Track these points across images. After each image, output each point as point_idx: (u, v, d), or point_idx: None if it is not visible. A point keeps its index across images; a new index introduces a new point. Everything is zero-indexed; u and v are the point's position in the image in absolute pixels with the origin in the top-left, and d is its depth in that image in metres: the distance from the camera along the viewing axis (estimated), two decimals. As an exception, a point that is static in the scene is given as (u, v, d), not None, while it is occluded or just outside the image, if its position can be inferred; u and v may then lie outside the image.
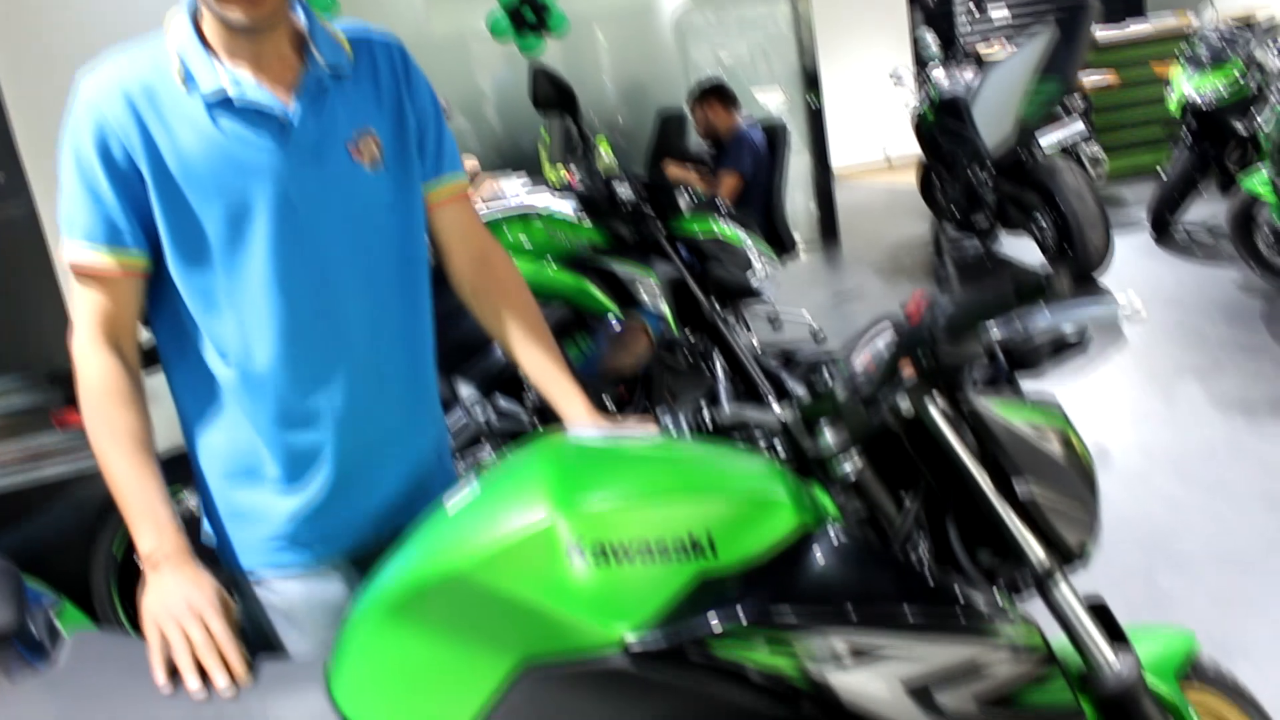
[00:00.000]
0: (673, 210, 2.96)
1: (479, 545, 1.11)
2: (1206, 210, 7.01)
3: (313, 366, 1.47)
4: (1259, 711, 1.61)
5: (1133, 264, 6.36)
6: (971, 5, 7.33)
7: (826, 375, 1.39)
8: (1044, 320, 1.24)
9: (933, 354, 1.22)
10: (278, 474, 1.49)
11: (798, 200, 8.41)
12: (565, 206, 4.93)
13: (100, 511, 3.07)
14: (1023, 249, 6.76)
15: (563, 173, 5.36)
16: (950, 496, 1.30)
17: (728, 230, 3.03)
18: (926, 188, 7.86)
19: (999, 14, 11.75)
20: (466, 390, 2.83)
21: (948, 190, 7.45)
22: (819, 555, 1.14)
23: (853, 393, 1.29)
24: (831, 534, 1.17)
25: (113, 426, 1.41)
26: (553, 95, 2.82)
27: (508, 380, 2.80)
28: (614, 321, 2.75)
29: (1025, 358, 1.31)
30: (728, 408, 1.49)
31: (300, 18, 1.49)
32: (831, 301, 6.51)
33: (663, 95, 8.55)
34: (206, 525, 1.57)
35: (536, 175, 6.50)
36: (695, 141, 6.52)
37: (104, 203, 1.39)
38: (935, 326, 1.21)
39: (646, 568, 1.09)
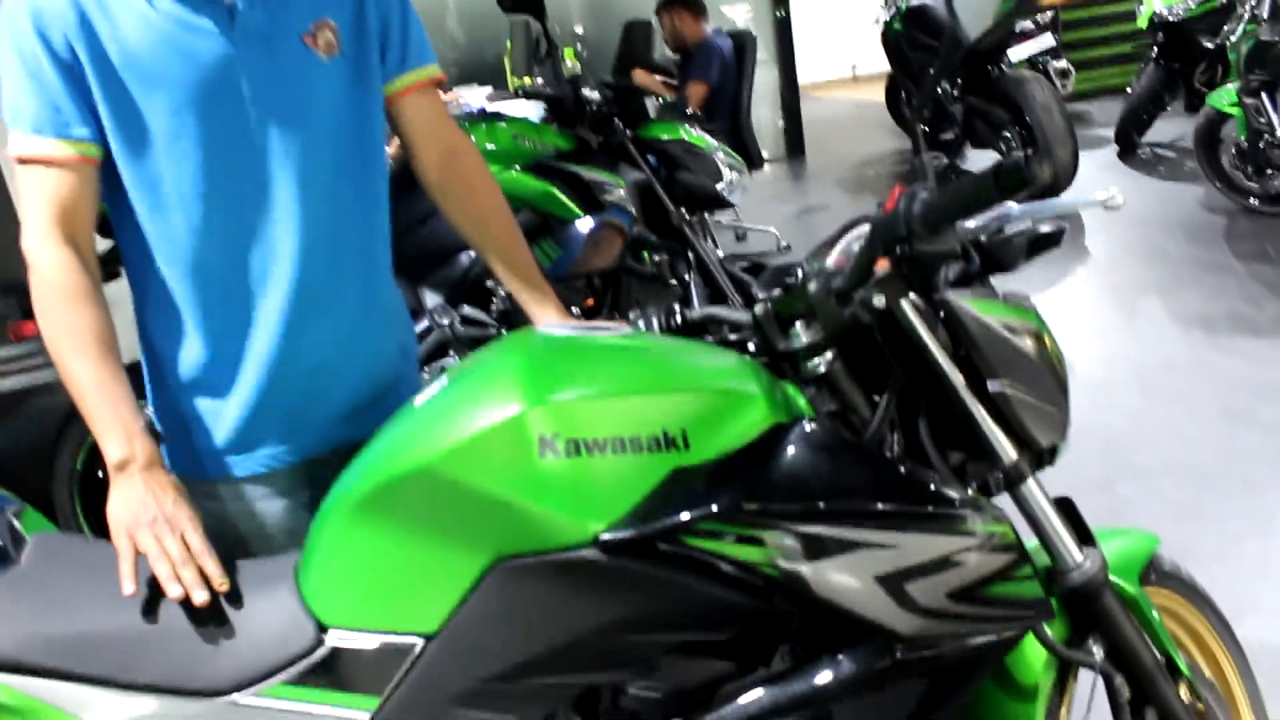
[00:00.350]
0: (640, 116, 2.91)
1: (448, 437, 1.09)
2: (1173, 130, 7.01)
3: (261, 265, 1.42)
4: (1213, 610, 1.64)
5: (1098, 181, 6.35)
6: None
7: (800, 273, 1.36)
8: (1025, 211, 1.22)
9: (909, 247, 1.19)
10: (229, 378, 1.45)
11: (763, 114, 8.32)
12: (531, 112, 4.87)
13: (61, 423, 3.02)
14: (986, 162, 6.74)
15: (527, 81, 5.27)
16: (923, 394, 1.28)
17: (696, 136, 2.99)
18: (893, 102, 7.80)
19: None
20: (433, 299, 2.79)
21: (915, 104, 7.39)
22: (792, 449, 1.13)
23: (825, 288, 1.25)
24: (804, 428, 1.16)
25: (73, 327, 1.32)
26: (515, -4, 2.74)
27: (474, 289, 2.76)
28: (590, 220, 2.70)
29: (1000, 254, 1.30)
30: (698, 308, 1.47)
31: None
32: (797, 216, 6.50)
33: (628, 4, 8.40)
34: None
35: (500, 87, 6.40)
36: (661, 53, 6.42)
37: (50, 90, 1.32)
38: (912, 218, 1.17)
39: (619, 461, 1.07)
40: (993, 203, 1.13)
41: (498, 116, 2.96)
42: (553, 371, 1.15)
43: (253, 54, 1.36)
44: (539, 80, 4.27)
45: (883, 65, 7.64)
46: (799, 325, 1.30)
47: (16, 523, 1.48)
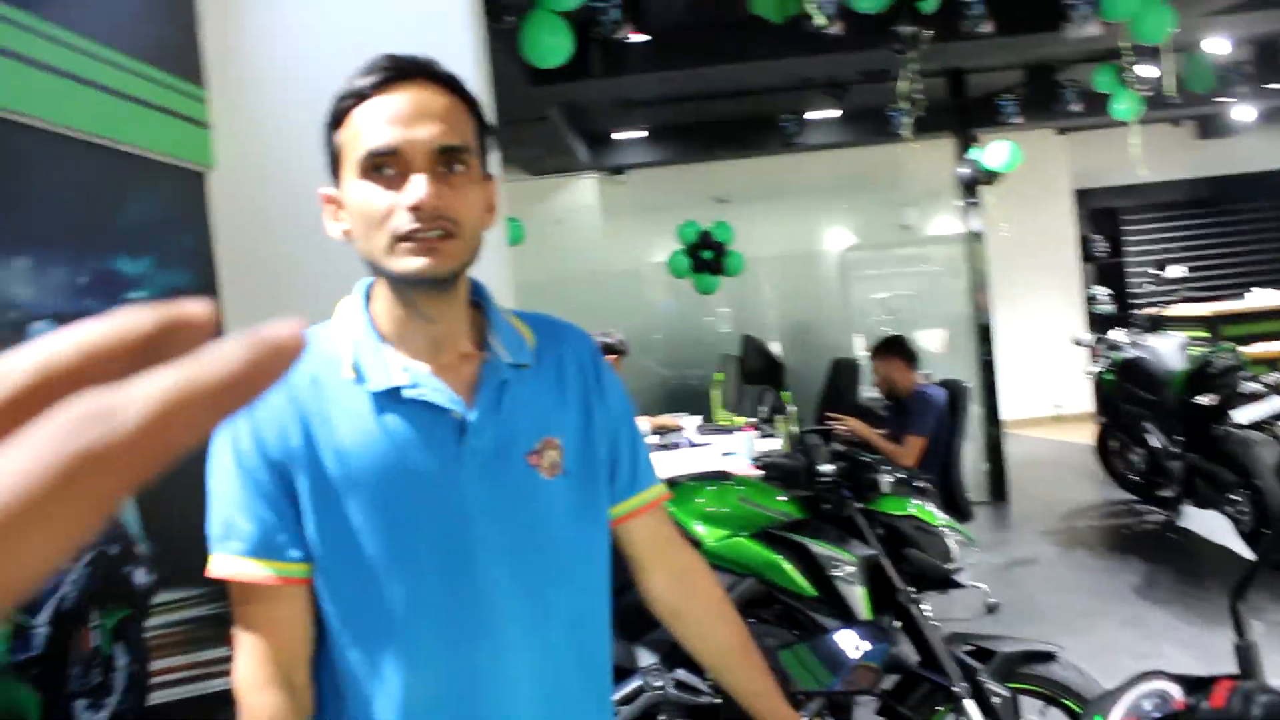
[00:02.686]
0: (871, 489, 2.88)
1: None
2: None
3: (474, 693, 1.29)
4: None
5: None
6: (1150, 266, 7.25)
7: None
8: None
9: None
10: None
11: (967, 454, 8.22)
12: (744, 447, 4.91)
13: None
14: (1209, 523, 6.38)
15: (738, 421, 5.36)
16: None
17: (927, 512, 2.93)
18: (1105, 453, 7.58)
19: (1176, 273, 11.58)
20: (647, 658, 2.73)
21: (1128, 457, 7.18)
22: None
23: None
24: None
25: None
26: (761, 366, 2.82)
27: (687, 652, 2.70)
28: (854, 638, 2.62)
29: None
30: None
31: (481, 308, 1.39)
32: (1005, 568, 6.22)
33: (827, 335, 8.62)
34: None
35: (709, 418, 6.55)
36: (865, 391, 6.48)
37: (267, 509, 1.26)
38: None
39: None
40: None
41: (725, 476, 2.98)
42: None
43: (476, 473, 1.28)
44: (760, 430, 4.37)
45: (1087, 405, 7.49)
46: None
47: None
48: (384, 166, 1.22)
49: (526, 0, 4.56)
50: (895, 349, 5.33)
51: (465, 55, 3.22)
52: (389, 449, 1.26)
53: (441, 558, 1.27)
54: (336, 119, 1.27)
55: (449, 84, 1.28)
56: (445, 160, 1.23)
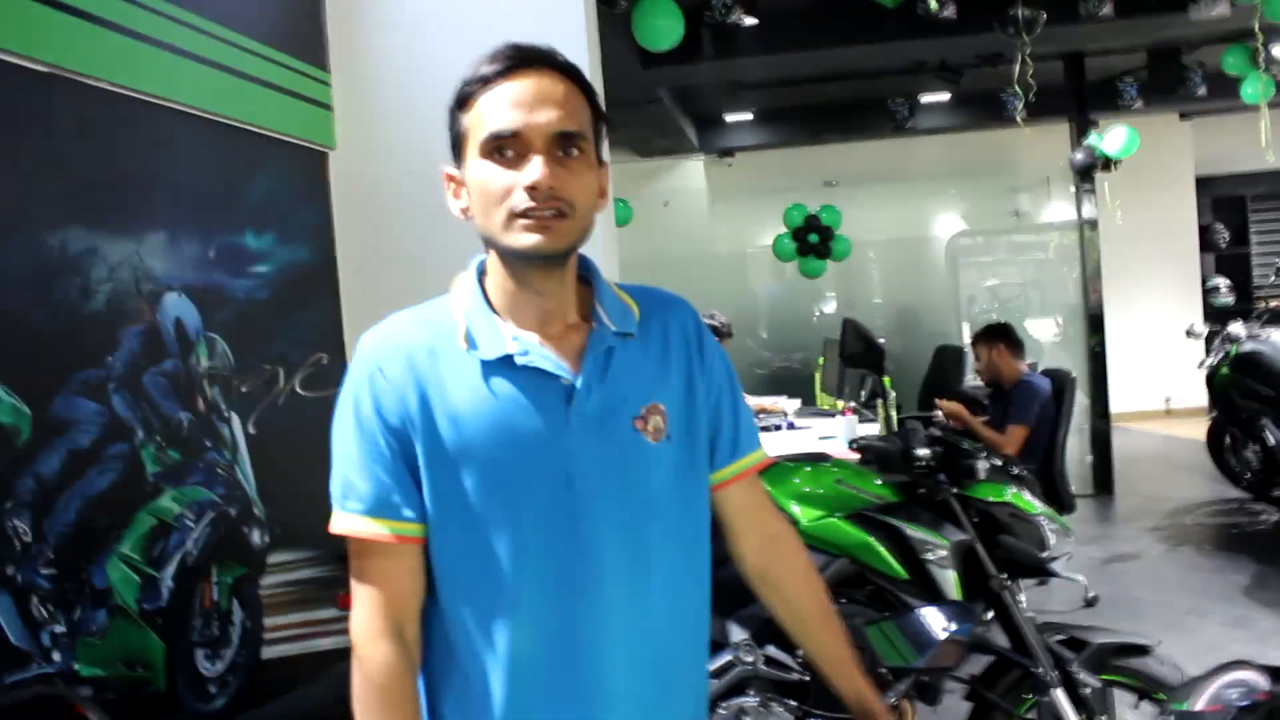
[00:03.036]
0: (968, 475, 2.89)
1: None
2: None
3: (571, 647, 1.36)
4: None
5: None
6: (1277, 257, 7.06)
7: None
8: None
9: None
10: None
11: (1071, 446, 8.07)
12: (841, 430, 4.93)
13: None
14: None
15: (839, 405, 5.38)
16: None
17: (1024, 500, 2.93)
18: (1216, 447, 7.39)
19: (1302, 265, 11.17)
20: (738, 634, 2.79)
21: (1243, 454, 7.00)
22: None
23: None
24: None
25: None
26: (861, 351, 2.85)
27: (781, 630, 2.75)
28: (939, 617, 2.63)
29: None
30: None
31: (589, 283, 1.46)
32: (1104, 563, 6.12)
33: (933, 322, 8.53)
34: None
35: (809, 402, 6.57)
36: (969, 379, 6.42)
37: (385, 471, 1.35)
38: None
39: None
40: None
41: (823, 458, 3.02)
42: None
43: (583, 436, 1.35)
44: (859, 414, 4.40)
45: (1200, 400, 7.30)
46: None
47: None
48: (505, 148, 1.30)
49: (639, -16, 4.64)
50: (1000, 335, 5.28)
51: (579, 39, 3.31)
52: (499, 413, 1.33)
53: (547, 517, 1.34)
54: (461, 102, 1.35)
55: (568, 73, 1.35)
56: (562, 144, 1.31)
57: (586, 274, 1.46)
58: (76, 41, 2.27)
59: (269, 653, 2.91)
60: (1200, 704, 1.29)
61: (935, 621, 2.58)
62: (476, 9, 3.34)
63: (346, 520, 1.36)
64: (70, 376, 2.22)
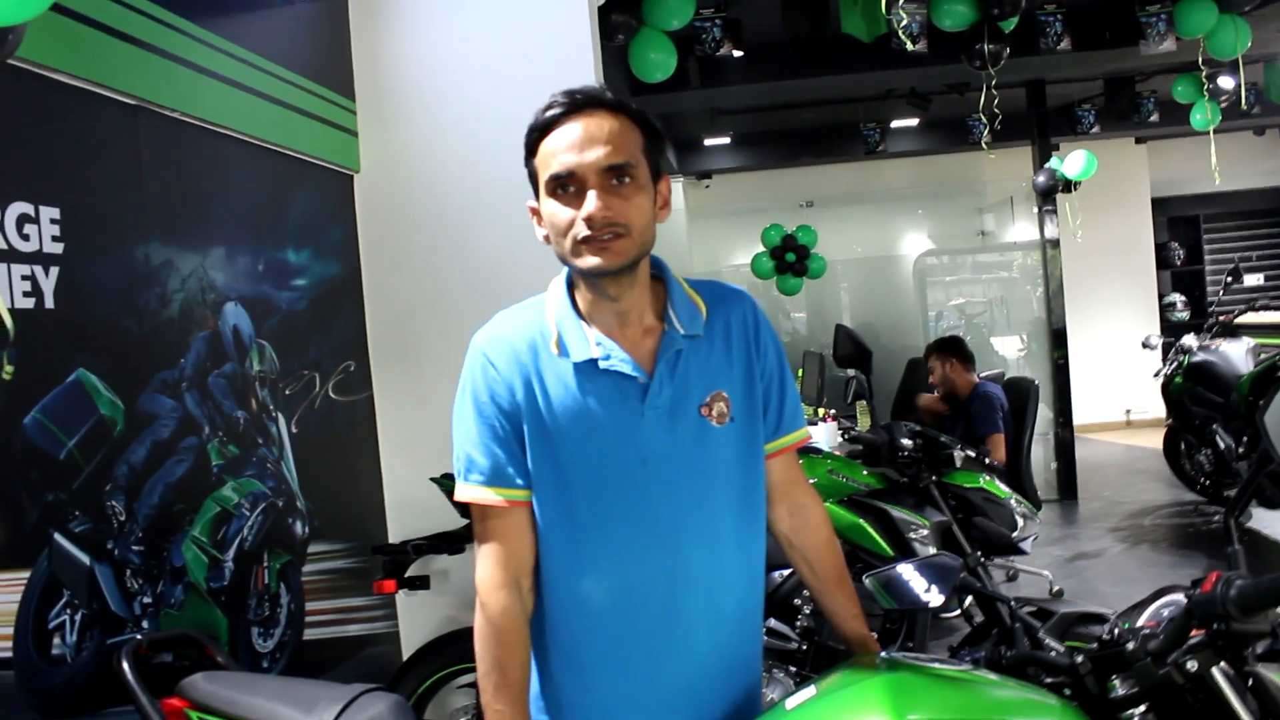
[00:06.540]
0: (946, 464, 3.19)
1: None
2: None
3: (647, 606, 1.60)
4: None
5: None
6: (1227, 274, 7.37)
7: (1113, 631, 1.54)
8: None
9: (1224, 625, 1.37)
10: (612, 691, 1.64)
11: (1036, 454, 8.39)
12: (821, 436, 5.20)
13: (399, 671, 3.30)
14: (1274, 522, 6.54)
15: (820, 412, 5.67)
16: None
17: (995, 486, 3.24)
18: (1172, 454, 7.73)
19: (1253, 280, 11.60)
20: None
21: (1196, 458, 7.32)
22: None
23: (1143, 649, 1.44)
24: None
25: (504, 670, 1.57)
26: (852, 352, 3.17)
27: (781, 604, 3.04)
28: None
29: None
30: (1018, 650, 1.67)
31: (663, 284, 1.68)
32: (1069, 561, 6.44)
33: (902, 337, 8.84)
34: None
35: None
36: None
37: (500, 449, 1.59)
38: (1229, 602, 1.36)
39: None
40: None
41: (817, 451, 3.33)
42: (910, 695, 1.39)
43: (655, 425, 1.59)
44: (835, 415, 4.71)
45: (1158, 411, 7.62)
46: (1116, 679, 1.47)
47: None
48: (565, 185, 1.53)
49: (636, 22, 4.91)
50: (951, 348, 5.47)
51: (586, 71, 3.55)
52: (586, 406, 1.58)
53: (621, 490, 1.59)
54: (530, 149, 1.62)
55: (616, 108, 1.58)
56: (614, 175, 1.53)
57: (660, 273, 1.70)
58: (156, 76, 2.53)
59: (307, 635, 3.12)
60: (1140, 621, 1.56)
61: (925, 569, 2.87)
62: (492, 43, 3.58)
63: (470, 490, 1.62)
64: (154, 376, 2.48)
